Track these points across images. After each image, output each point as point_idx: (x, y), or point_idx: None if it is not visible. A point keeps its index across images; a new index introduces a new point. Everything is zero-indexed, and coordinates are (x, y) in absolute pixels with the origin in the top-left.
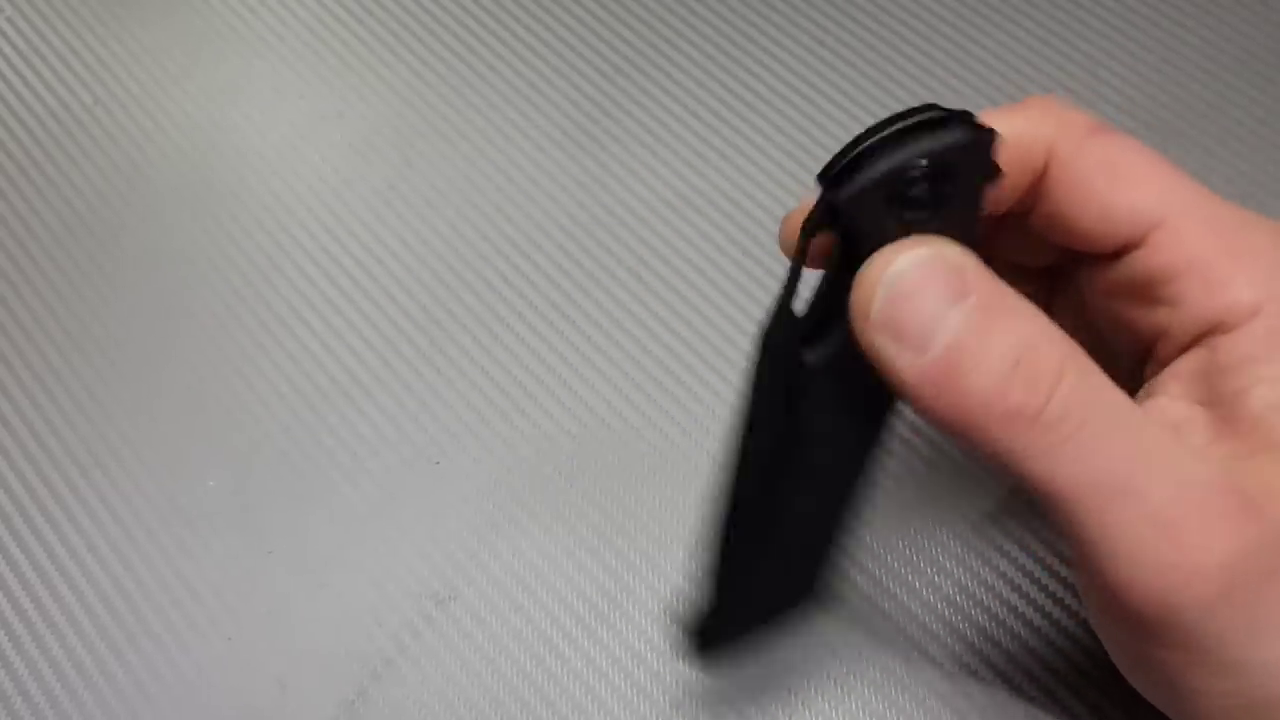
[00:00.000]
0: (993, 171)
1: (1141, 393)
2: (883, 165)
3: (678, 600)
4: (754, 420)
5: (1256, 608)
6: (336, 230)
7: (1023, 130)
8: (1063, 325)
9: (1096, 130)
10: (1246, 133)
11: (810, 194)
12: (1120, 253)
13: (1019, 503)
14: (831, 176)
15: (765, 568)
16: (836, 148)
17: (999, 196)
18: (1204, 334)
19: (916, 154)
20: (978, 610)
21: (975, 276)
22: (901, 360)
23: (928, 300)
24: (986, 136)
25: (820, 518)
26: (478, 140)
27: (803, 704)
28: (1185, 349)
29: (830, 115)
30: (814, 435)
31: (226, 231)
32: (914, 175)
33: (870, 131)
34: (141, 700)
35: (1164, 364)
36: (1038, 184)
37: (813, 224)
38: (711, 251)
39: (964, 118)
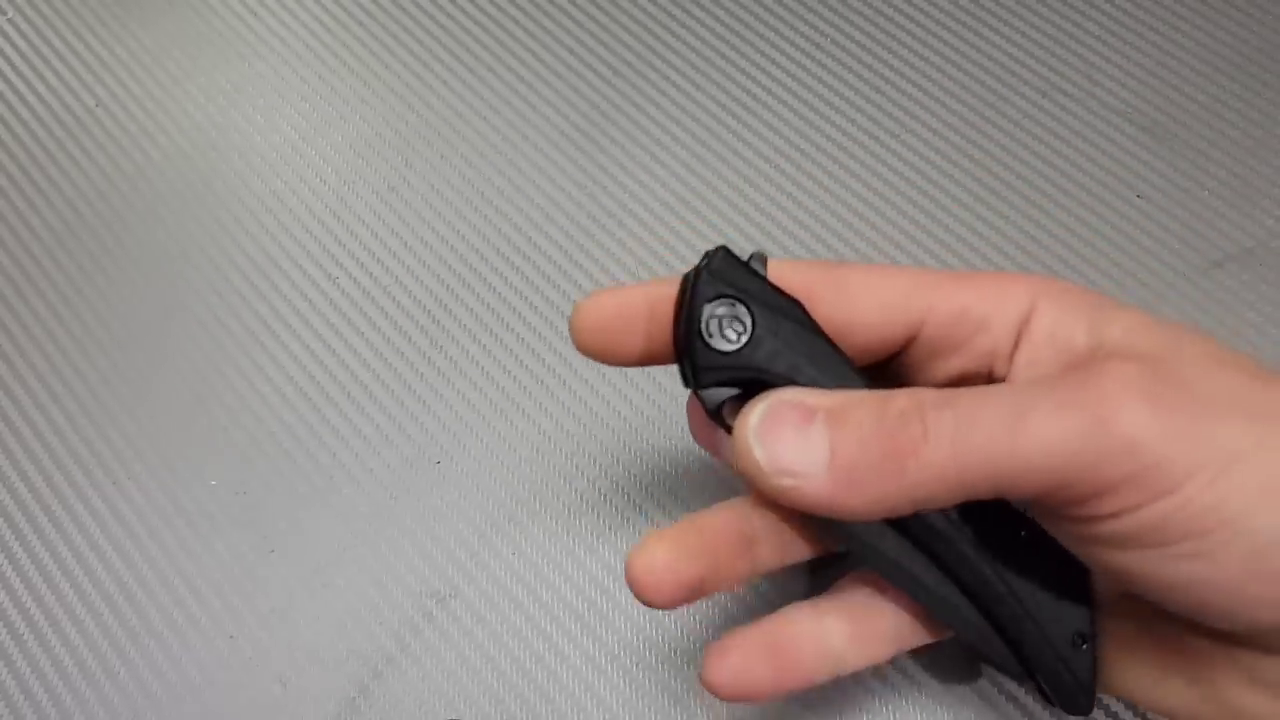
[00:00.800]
0: (752, 263)
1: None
2: (698, 359)
3: None
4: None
5: (1183, 405)
6: (337, 231)
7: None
8: None
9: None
10: (1241, 135)
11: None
12: (907, 338)
13: None
14: (692, 384)
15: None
16: (835, 148)
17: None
18: (1015, 336)
19: (695, 334)
20: None
21: (810, 397)
22: (808, 489)
23: (789, 437)
24: (713, 262)
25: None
26: (477, 142)
27: (801, 705)
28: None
29: (827, 117)
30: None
31: (228, 232)
32: (714, 337)
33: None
34: (144, 698)
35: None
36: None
37: (711, 413)
38: None
39: (706, 262)
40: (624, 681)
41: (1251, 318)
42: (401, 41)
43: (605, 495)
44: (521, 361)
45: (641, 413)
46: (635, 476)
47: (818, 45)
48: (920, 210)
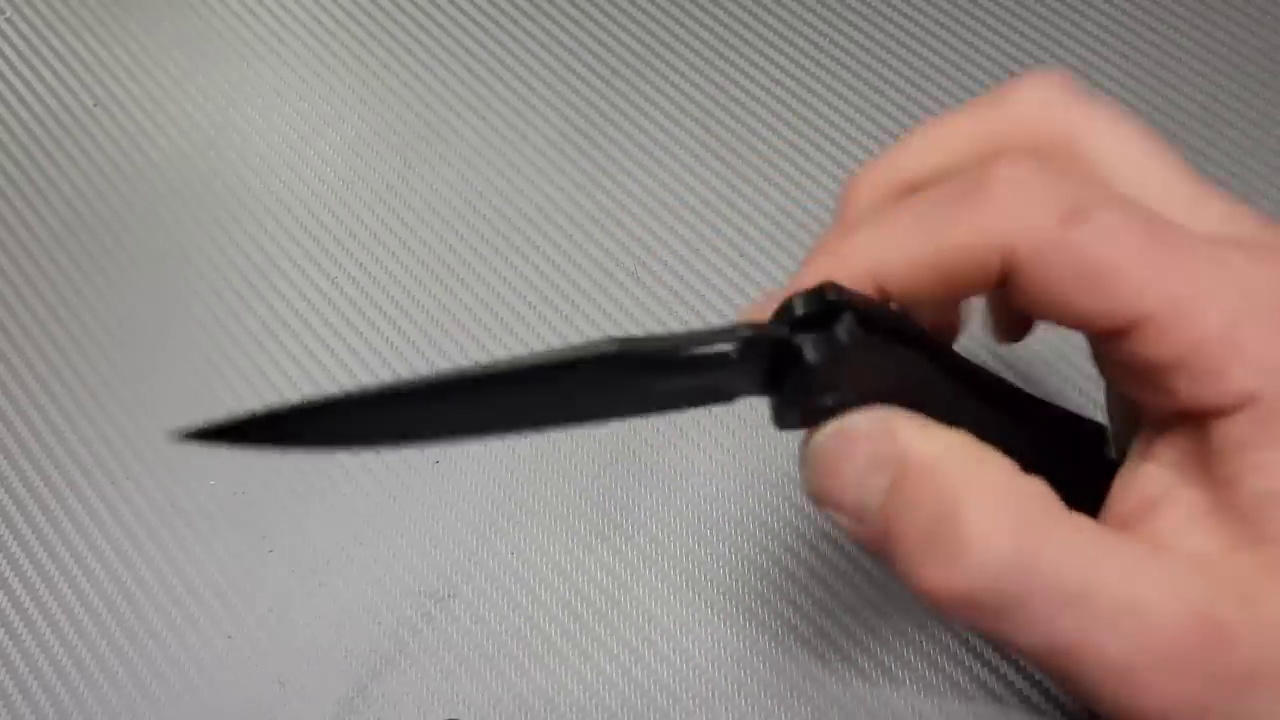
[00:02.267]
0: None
1: (1133, 451)
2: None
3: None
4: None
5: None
6: (337, 231)
7: (967, 235)
8: None
9: (1070, 219)
10: (1241, 135)
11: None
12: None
13: None
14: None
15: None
16: (834, 148)
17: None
18: (1199, 417)
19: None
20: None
21: (891, 436)
22: (851, 529)
23: (848, 471)
24: (842, 332)
25: None
26: (477, 142)
27: (798, 699)
28: (1180, 423)
29: (826, 117)
30: None
31: (227, 232)
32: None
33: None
34: (142, 698)
35: (1157, 426)
36: (1002, 284)
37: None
38: (708, 252)
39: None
40: (624, 681)
41: None
42: (401, 41)
43: (605, 495)
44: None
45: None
46: (635, 476)
47: (816, 46)
48: None
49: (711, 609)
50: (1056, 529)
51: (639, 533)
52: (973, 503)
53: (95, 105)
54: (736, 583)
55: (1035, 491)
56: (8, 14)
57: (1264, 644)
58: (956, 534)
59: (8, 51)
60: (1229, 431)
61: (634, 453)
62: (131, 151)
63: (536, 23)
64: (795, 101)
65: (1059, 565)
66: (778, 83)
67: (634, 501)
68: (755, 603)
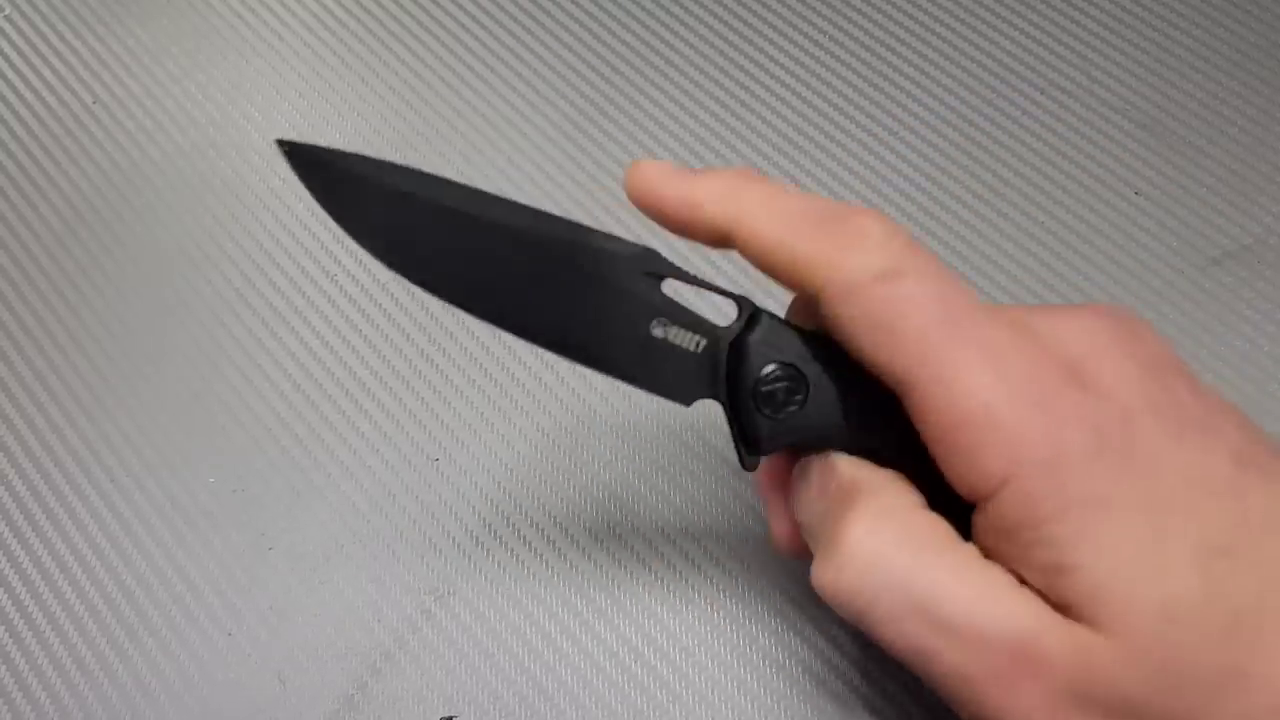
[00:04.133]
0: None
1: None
2: (761, 430)
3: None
4: None
5: None
6: (335, 227)
7: (807, 252)
8: None
9: (882, 277)
10: (1239, 132)
11: None
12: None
13: None
14: (755, 456)
15: None
16: (832, 144)
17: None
18: (979, 497)
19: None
20: None
21: (831, 468)
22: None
23: (803, 497)
24: (758, 328)
25: None
26: (475, 138)
27: (800, 697)
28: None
29: (825, 114)
30: None
31: (226, 229)
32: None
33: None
34: (142, 696)
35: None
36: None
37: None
38: (708, 248)
39: (746, 327)
40: (623, 679)
41: (1249, 315)
42: (399, 37)
43: (604, 493)
44: (520, 358)
45: (640, 409)
46: (635, 474)
47: (815, 42)
48: (918, 207)
49: (712, 607)
50: (921, 548)
51: (637, 531)
52: (860, 518)
53: (95, 102)
54: (737, 581)
55: (922, 520)
56: (7, 11)
57: (1086, 666)
58: (840, 537)
59: (7, 49)
60: (999, 512)
61: (634, 450)
62: (131, 149)
63: (536, 19)
64: (794, 98)
65: (910, 575)
66: (776, 79)
67: (634, 501)
68: (756, 601)
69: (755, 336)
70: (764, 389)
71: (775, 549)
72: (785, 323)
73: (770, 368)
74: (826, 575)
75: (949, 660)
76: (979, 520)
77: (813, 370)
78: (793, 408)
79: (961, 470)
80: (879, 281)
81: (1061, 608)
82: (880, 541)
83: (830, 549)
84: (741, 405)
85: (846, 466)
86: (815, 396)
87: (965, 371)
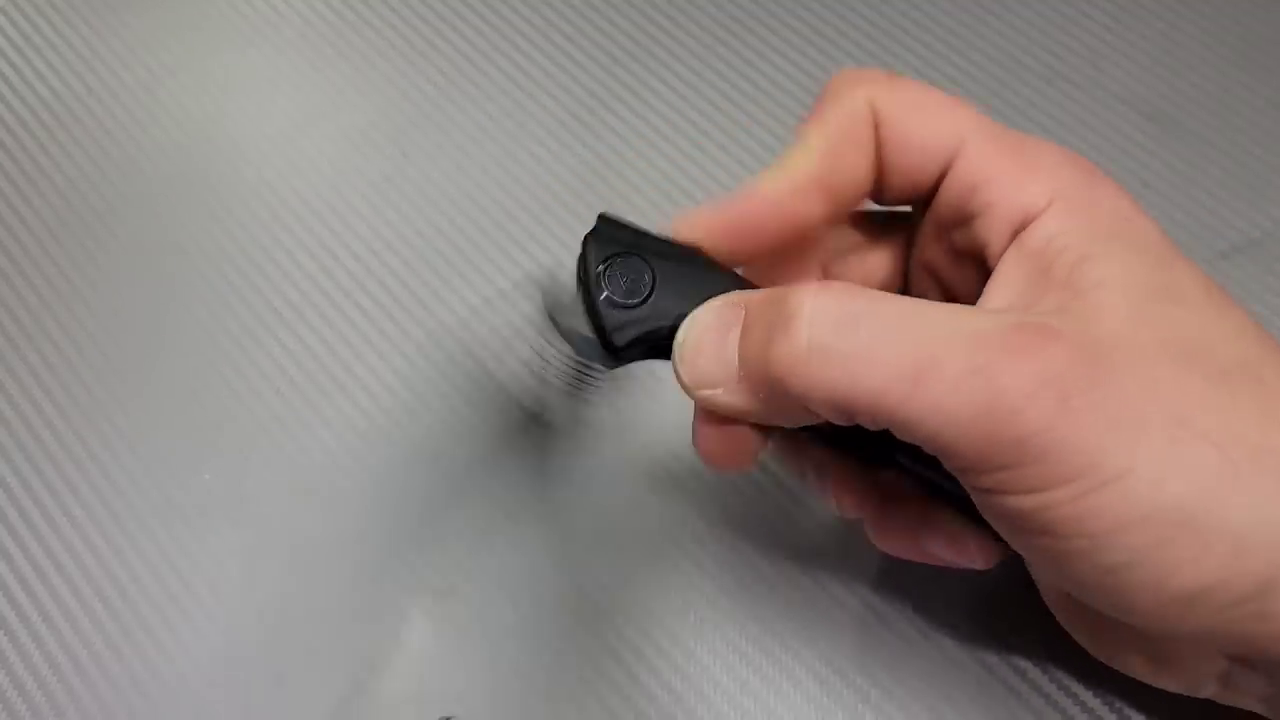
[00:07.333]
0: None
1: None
2: (607, 320)
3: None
4: None
5: (1098, 410)
6: (332, 222)
7: (844, 124)
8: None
9: (892, 79)
10: (1248, 124)
11: None
12: (938, 184)
13: None
14: (613, 352)
15: None
16: None
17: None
18: (1014, 233)
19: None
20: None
21: (729, 300)
22: (721, 399)
23: (709, 341)
24: (598, 226)
25: None
26: (474, 131)
27: (800, 696)
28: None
29: None
30: None
31: (221, 223)
32: (619, 297)
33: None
34: (138, 696)
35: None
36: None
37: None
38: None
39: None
40: (624, 678)
41: (1258, 310)
42: (396, 29)
43: (604, 492)
44: (520, 356)
45: (640, 407)
46: (634, 473)
47: (818, 32)
48: None
49: (712, 605)
50: (875, 296)
51: (636, 530)
52: (797, 289)
53: (89, 94)
54: (737, 580)
55: (847, 281)
56: (0, 3)
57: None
58: (789, 308)
59: (0, 41)
60: (1036, 232)
61: (634, 449)
62: (125, 141)
63: (535, 9)
64: (797, 89)
65: (875, 310)
66: (780, 70)
67: (632, 498)
68: (757, 600)
69: (596, 233)
70: (607, 273)
71: (708, 460)
72: (625, 222)
73: (609, 255)
74: (786, 351)
75: (950, 371)
76: (993, 279)
77: (655, 260)
78: (640, 297)
79: (1009, 201)
80: (894, 81)
81: (1057, 288)
82: (833, 295)
83: (779, 324)
84: (594, 303)
85: (746, 293)
86: (663, 284)
87: (1002, 128)
